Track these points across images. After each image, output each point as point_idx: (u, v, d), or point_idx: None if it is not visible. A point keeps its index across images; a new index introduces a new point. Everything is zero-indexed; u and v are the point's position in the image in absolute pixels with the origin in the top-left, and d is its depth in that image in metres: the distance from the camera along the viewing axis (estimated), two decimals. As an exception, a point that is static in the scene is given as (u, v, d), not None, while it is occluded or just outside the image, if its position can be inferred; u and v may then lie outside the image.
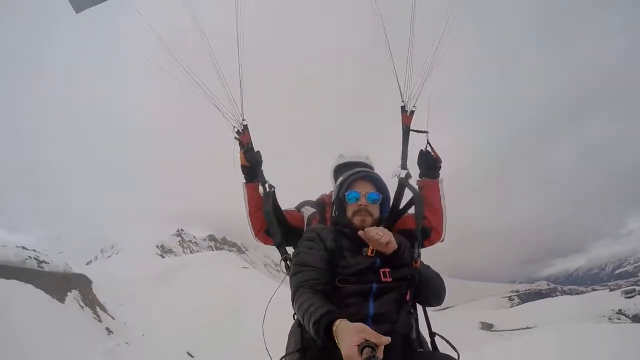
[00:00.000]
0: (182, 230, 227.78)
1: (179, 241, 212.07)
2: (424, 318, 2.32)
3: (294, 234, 2.82)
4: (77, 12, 3.02)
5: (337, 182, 2.53)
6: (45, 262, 29.20)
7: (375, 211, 2.34)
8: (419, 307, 2.37)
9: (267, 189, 2.84)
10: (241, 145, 2.93)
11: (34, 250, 31.24)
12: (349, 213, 2.33)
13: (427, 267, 2.28)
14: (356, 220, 2.27)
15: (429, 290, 2.20)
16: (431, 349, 2.24)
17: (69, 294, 25.81)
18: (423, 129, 2.80)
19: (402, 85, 2.82)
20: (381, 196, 2.39)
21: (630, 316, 59.87)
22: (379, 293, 2.01)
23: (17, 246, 29.03)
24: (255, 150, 2.90)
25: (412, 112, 2.81)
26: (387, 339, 1.40)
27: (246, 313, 35.04)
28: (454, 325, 71.42)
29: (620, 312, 64.10)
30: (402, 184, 2.73)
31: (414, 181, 2.80)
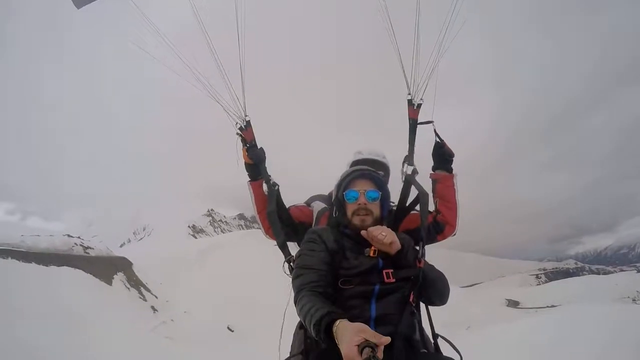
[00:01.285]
0: (212, 210, 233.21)
1: (210, 221, 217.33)
2: (428, 319, 2.26)
3: (303, 229, 2.67)
4: (77, 8, 2.93)
5: (337, 182, 2.42)
6: (90, 248, 31.12)
7: (376, 209, 2.26)
8: (422, 308, 2.31)
9: (271, 187, 2.74)
10: (244, 142, 2.83)
11: (79, 237, 33.31)
12: (349, 213, 2.25)
13: (432, 267, 2.21)
14: (356, 220, 2.21)
15: (433, 290, 2.12)
16: (434, 350, 2.19)
17: (115, 276, 27.57)
18: (428, 120, 2.69)
19: (408, 77, 2.66)
20: (381, 193, 2.29)
21: None
22: (381, 294, 1.98)
23: (63, 235, 31.03)
24: (259, 147, 2.84)
25: (419, 105, 2.68)
26: (387, 339, 1.39)
27: (279, 289, 36.47)
28: (480, 301, 71.97)
29: None
30: (409, 180, 2.62)
31: (419, 177, 2.70)
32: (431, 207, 2.64)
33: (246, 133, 2.82)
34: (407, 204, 2.65)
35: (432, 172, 2.71)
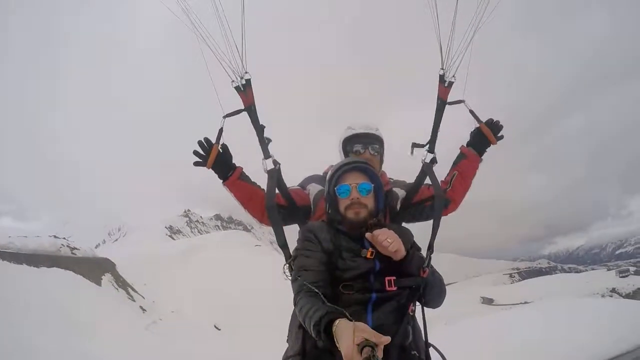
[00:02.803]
0: (189, 210, 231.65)
1: (187, 221, 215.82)
2: (423, 327, 2.20)
3: (303, 213, 2.58)
4: None
5: (327, 177, 2.27)
6: (77, 249, 31.52)
7: (370, 202, 2.13)
8: (418, 316, 2.22)
9: (273, 166, 2.38)
10: (218, 137, 2.30)
11: (64, 238, 33.59)
12: (342, 208, 2.12)
13: (433, 270, 2.12)
14: (350, 214, 2.08)
15: (431, 296, 2.06)
16: (425, 358, 2.12)
17: (103, 277, 28.11)
18: (459, 99, 2.46)
19: (443, 51, 2.39)
20: (373, 185, 2.16)
21: (623, 294, 61.67)
22: (379, 303, 1.92)
23: (49, 235, 31.34)
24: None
25: (451, 83, 2.43)
26: (387, 339, 1.37)
27: (264, 287, 37.83)
28: (457, 299, 74.49)
29: (613, 290, 66.49)
30: (425, 171, 2.47)
31: (437, 168, 2.51)
32: (441, 177, 2.51)
33: (244, 95, 2.31)
34: (417, 197, 2.54)
35: (464, 146, 2.55)
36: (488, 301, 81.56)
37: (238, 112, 2.32)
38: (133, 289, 30.35)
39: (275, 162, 2.37)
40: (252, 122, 2.35)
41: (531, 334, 10.88)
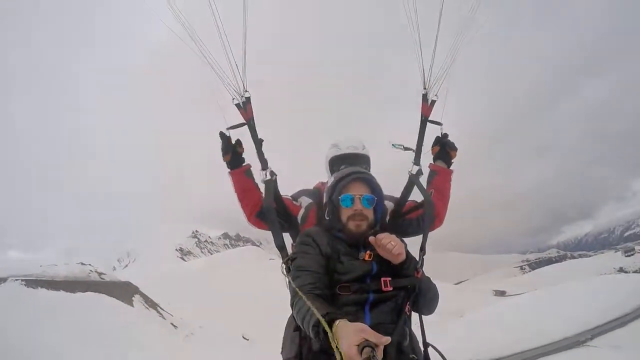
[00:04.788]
0: (197, 231, 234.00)
1: (196, 242, 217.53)
2: (420, 327, 2.21)
3: (292, 223, 2.65)
4: None
5: (329, 184, 2.32)
6: (104, 273, 32.81)
7: (370, 214, 2.18)
8: (415, 316, 2.24)
9: (269, 177, 2.52)
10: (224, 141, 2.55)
11: (90, 264, 34.84)
12: (344, 218, 2.16)
13: (428, 278, 2.17)
14: (351, 226, 2.13)
15: (424, 301, 2.10)
16: (424, 358, 2.15)
17: (133, 298, 29.38)
18: (437, 121, 2.62)
19: (425, 71, 2.50)
20: (376, 197, 2.21)
21: (631, 272, 63.19)
22: (376, 302, 1.96)
23: (77, 262, 32.60)
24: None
25: (434, 101, 2.56)
26: (387, 339, 1.37)
27: (285, 297, 38.72)
28: (469, 295, 75.09)
29: (621, 269, 67.55)
30: (412, 181, 2.54)
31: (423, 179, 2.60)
32: (419, 197, 2.56)
33: (244, 112, 2.50)
34: (405, 208, 2.60)
35: (432, 163, 2.66)
36: (500, 293, 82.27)
37: (240, 125, 2.53)
38: (161, 308, 31.62)
39: (272, 173, 2.53)
40: (251, 135, 2.53)
41: (540, 312, 12.19)
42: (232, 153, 2.51)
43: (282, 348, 2.24)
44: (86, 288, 26.70)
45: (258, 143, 2.50)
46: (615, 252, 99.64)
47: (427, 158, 2.69)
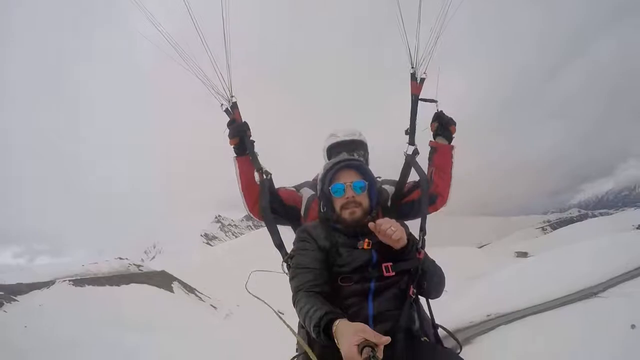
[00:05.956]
0: (220, 215, 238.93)
1: (220, 227, 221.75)
2: (428, 310, 2.14)
3: (293, 213, 2.65)
4: None
5: (320, 176, 2.25)
6: (141, 266, 34.96)
7: (364, 200, 2.09)
8: (422, 298, 2.15)
9: (263, 177, 2.53)
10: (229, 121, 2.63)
11: (126, 258, 36.93)
12: (337, 207, 2.08)
13: (432, 261, 2.08)
14: (345, 214, 2.04)
15: (430, 284, 2.00)
16: (435, 341, 2.05)
17: (172, 285, 31.35)
18: (432, 98, 2.54)
19: (411, 50, 2.45)
20: (367, 183, 2.12)
21: None
22: (379, 290, 1.88)
23: (115, 258, 34.69)
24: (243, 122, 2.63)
25: (423, 79, 2.51)
26: (387, 339, 1.35)
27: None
28: (491, 258, 75.53)
29: (639, 227, 67.52)
30: (409, 162, 2.49)
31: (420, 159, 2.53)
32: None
33: (232, 117, 2.61)
34: (405, 189, 2.57)
35: (432, 140, 2.58)
36: (522, 255, 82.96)
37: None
38: (199, 292, 33.61)
39: (266, 173, 2.52)
40: (232, 131, 2.56)
41: (557, 269, 13.09)
42: (240, 137, 2.54)
43: (297, 343, 2.20)
44: (129, 280, 28.72)
45: (250, 145, 2.55)
46: (635, 209, 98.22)
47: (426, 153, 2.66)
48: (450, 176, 2.50)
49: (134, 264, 33.74)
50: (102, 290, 25.98)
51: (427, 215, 2.32)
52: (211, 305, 30.24)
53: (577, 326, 7.94)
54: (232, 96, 2.58)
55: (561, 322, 8.47)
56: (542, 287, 10.84)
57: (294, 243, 2.13)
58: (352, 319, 1.54)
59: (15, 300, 21.44)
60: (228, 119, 2.58)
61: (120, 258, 35.09)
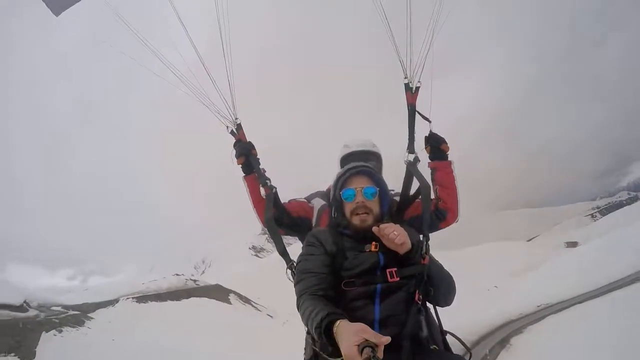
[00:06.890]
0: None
1: (267, 238, 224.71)
2: (435, 316, 2.10)
3: (304, 225, 2.70)
4: (56, 16, 2.80)
5: (333, 183, 2.31)
6: (197, 280, 36.32)
7: (375, 207, 2.12)
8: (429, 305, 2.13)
9: (269, 191, 2.61)
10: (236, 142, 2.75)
11: (182, 274, 38.61)
12: (347, 212, 2.12)
13: (440, 266, 2.08)
14: (356, 221, 2.07)
15: (439, 290, 1.99)
16: (443, 348, 2.04)
17: (229, 297, 32.45)
18: (427, 117, 2.52)
19: (404, 59, 2.45)
20: (378, 189, 2.16)
21: None
22: (385, 294, 1.88)
23: (172, 274, 36.35)
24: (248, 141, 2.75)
25: (417, 88, 2.51)
26: (387, 339, 1.36)
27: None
28: (541, 251, 73.12)
29: None
30: (410, 170, 2.52)
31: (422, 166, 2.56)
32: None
33: (238, 136, 2.72)
34: (409, 194, 2.58)
35: (430, 162, 2.60)
36: (572, 245, 79.52)
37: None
38: (255, 302, 34.53)
39: (271, 187, 2.61)
40: (237, 150, 2.68)
41: (605, 256, 12.77)
42: (245, 156, 2.65)
43: (304, 349, 2.23)
44: (188, 295, 29.94)
45: (256, 162, 2.65)
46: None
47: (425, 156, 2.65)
48: (455, 190, 2.52)
49: (191, 279, 35.13)
50: (164, 306, 27.24)
51: (442, 228, 2.49)
52: (267, 314, 30.97)
53: (622, 314, 7.82)
54: (236, 118, 2.69)
55: (607, 309, 8.37)
56: (589, 276, 10.71)
57: (302, 248, 2.17)
58: (357, 321, 1.52)
59: (92, 318, 22.78)
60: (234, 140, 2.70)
61: (177, 274, 36.73)
